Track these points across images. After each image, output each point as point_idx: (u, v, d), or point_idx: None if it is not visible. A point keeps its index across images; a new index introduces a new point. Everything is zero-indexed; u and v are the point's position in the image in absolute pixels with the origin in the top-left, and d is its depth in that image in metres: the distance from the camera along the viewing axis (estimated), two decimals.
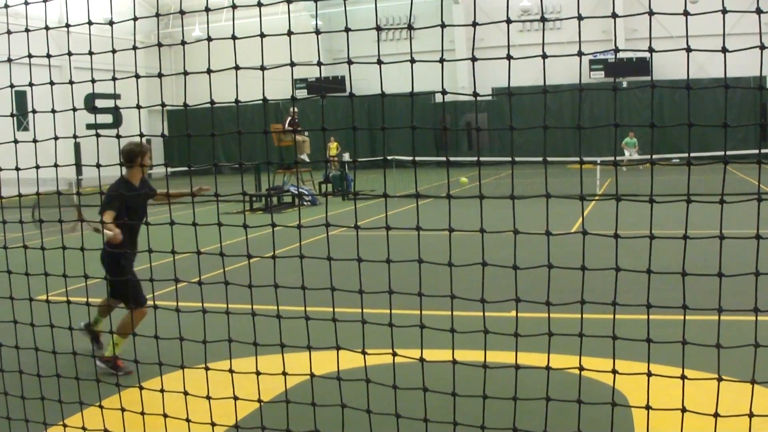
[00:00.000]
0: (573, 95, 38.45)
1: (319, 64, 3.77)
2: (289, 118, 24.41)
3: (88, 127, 34.84)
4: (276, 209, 23.24)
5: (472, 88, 46.57)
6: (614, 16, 3.61)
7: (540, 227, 3.69)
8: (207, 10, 4.34)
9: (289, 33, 3.89)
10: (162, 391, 4.60)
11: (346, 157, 27.38)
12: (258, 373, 4.28)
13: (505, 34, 3.69)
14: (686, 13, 3.61)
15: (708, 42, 29.80)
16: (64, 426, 5.08)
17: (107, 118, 40.39)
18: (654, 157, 3.59)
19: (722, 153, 3.58)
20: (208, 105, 4.20)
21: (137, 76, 4.48)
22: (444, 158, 4.25)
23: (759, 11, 3.58)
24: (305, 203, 23.73)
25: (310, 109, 43.91)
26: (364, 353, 4.00)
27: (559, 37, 41.70)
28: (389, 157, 27.75)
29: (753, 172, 26.26)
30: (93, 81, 4.59)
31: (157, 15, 4.38)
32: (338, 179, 27.09)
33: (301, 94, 45.63)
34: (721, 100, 39.53)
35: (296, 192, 23.62)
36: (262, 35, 4.03)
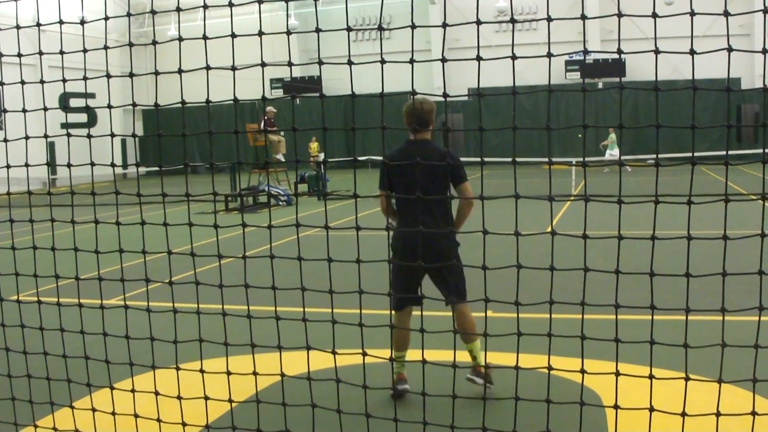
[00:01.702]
0: (549, 96, 38.55)
1: (290, 64, 3.77)
2: (265, 118, 24.34)
3: (63, 126, 34.57)
4: (252, 209, 23.18)
5: (447, 88, 46.75)
6: (583, 18, 3.64)
7: (514, 227, 3.71)
8: (178, 9, 4.33)
9: (260, 33, 3.89)
10: (133, 391, 4.59)
11: (321, 157, 27.32)
12: (229, 373, 4.28)
13: (481, 34, 3.71)
14: (654, 15, 3.65)
15: (682, 43, 29.87)
16: (35, 427, 5.05)
17: (82, 118, 40.07)
18: (624, 158, 3.61)
19: (696, 154, 3.62)
20: (182, 104, 4.19)
21: (108, 76, 4.47)
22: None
23: (726, 14, 3.62)
24: (281, 203, 23.68)
25: (286, 108, 43.81)
26: (334, 353, 4.01)
27: (535, 38, 41.85)
28: (362, 158, 27.77)
29: (729, 174, 26.43)
30: (64, 81, 4.57)
31: (128, 15, 4.37)
32: (314, 179, 27.05)
33: (278, 94, 45.50)
34: (696, 100, 39.74)
35: (273, 192, 23.55)
36: (233, 35, 4.03)
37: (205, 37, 4.07)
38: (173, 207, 19.43)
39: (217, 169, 38.12)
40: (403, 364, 5.71)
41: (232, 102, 4.12)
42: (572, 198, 19.93)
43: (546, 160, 3.89)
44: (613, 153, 33.41)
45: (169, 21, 44.57)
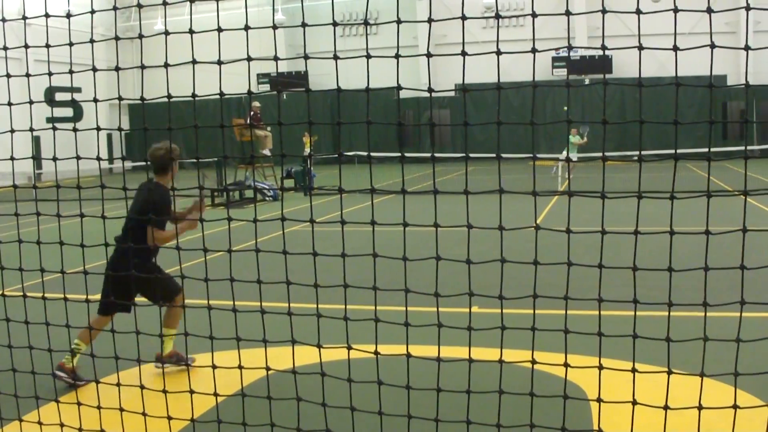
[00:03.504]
0: (536, 92, 38.68)
1: (276, 59, 3.78)
2: (252, 113, 24.30)
3: (49, 120, 34.38)
4: (239, 204, 23.16)
5: (434, 84, 46.54)
6: (568, 14, 3.67)
7: (511, 221, 3.72)
8: (165, 3, 4.32)
9: (246, 28, 3.90)
10: (118, 385, 4.59)
11: (307, 152, 27.33)
12: (214, 367, 4.29)
13: (468, 30, 3.73)
14: (638, 12, 3.68)
15: (669, 40, 30.12)
16: (21, 421, 5.05)
17: (68, 112, 39.88)
18: (608, 154, 3.65)
19: (681, 150, 3.65)
20: (168, 99, 4.20)
21: (94, 69, 4.46)
22: (405, 154, 4.27)
23: (710, 11, 3.65)
24: (267, 198, 23.66)
25: (273, 104, 43.71)
26: (319, 347, 4.02)
27: (522, 35, 41.89)
28: (349, 153, 27.78)
29: (714, 170, 26.52)
30: (50, 74, 4.57)
31: (115, 9, 4.37)
32: (300, 175, 27.03)
33: (265, 89, 45.45)
34: (682, 97, 39.95)
35: (258, 187, 23.54)
36: (219, 29, 4.04)
37: (191, 31, 4.07)
38: None
39: (204, 164, 38.02)
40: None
41: (218, 96, 4.12)
42: (558, 193, 19.89)
43: (532, 156, 3.92)
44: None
45: (155, 15, 44.41)
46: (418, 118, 43.24)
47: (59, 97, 37.80)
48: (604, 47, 3.70)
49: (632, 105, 40.71)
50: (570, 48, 3.74)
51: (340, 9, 44.28)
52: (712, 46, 3.60)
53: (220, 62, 4.01)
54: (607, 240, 3.62)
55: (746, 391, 5.49)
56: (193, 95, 4.07)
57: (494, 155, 3.89)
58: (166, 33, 4.19)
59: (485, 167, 32.85)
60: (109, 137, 43.25)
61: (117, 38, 4.41)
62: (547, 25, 34.18)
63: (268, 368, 4.21)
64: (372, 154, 4.39)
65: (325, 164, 40.42)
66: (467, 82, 3.45)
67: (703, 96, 39.73)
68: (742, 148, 35.41)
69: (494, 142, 36.47)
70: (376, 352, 3.90)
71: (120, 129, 4.52)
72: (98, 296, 6.30)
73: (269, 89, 45.38)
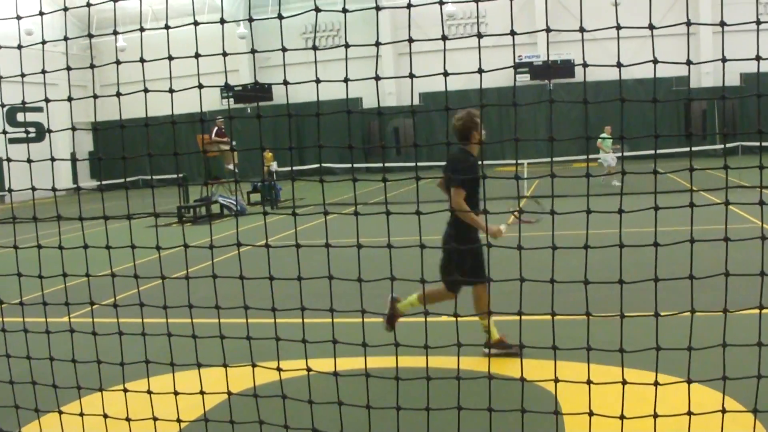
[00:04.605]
0: (500, 98, 38.91)
1: (226, 71, 3.81)
2: (216, 129, 24.24)
3: (11, 141, 34.12)
4: (205, 221, 23.07)
5: (398, 93, 46.39)
6: (512, 18, 3.73)
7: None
8: (115, 33, 4.34)
9: (197, 55, 3.93)
10: (81, 414, 4.58)
11: (274, 166, 27.28)
12: (176, 393, 4.30)
13: (429, 37, 3.76)
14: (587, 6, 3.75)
15: (630, 43, 30.03)
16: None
17: (30, 132, 39.60)
18: (575, 158, 3.70)
19: (646, 152, 3.73)
20: (129, 118, 4.24)
21: (47, 101, 4.47)
22: (370, 164, 4.31)
23: (652, 27, 3.72)
24: (233, 214, 23.60)
25: (238, 119, 43.53)
26: (279, 370, 4.04)
27: (485, 42, 42.18)
28: (314, 166, 27.76)
29: (677, 168, 26.67)
30: None
31: (65, 39, 4.37)
32: (266, 189, 27.02)
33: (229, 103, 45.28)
34: (644, 98, 40.31)
35: (223, 203, 23.49)
36: (170, 58, 4.06)
37: (142, 60, 4.10)
38: (122, 222, 19.25)
39: (169, 181, 37.88)
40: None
41: (184, 112, 4.14)
42: (527, 196, 20.10)
43: (498, 162, 3.98)
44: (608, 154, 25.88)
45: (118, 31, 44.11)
46: (383, 128, 43.38)
47: (21, 117, 37.52)
48: (556, 51, 3.77)
49: (595, 108, 40.94)
50: (515, 61, 3.79)
51: (303, 21, 44.26)
52: (655, 61, 3.67)
53: (171, 90, 4.03)
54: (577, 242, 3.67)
55: (733, 397, 5.47)
56: (146, 124, 4.09)
57: (438, 163, 3.93)
58: (117, 63, 4.21)
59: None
60: (73, 156, 42.94)
61: (69, 68, 4.41)
62: (508, 31, 34.36)
63: (229, 393, 4.22)
64: (332, 165, 4.43)
65: (290, 177, 40.30)
66: (433, 90, 3.48)
67: (666, 97, 40.16)
68: (705, 147, 35.90)
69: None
70: (335, 373, 3.92)
71: (73, 159, 4.53)
72: (58, 319, 6.26)
73: (233, 103, 45.30)
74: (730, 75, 39.93)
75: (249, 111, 43.78)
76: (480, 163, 6.88)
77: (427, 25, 39.31)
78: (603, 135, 25.15)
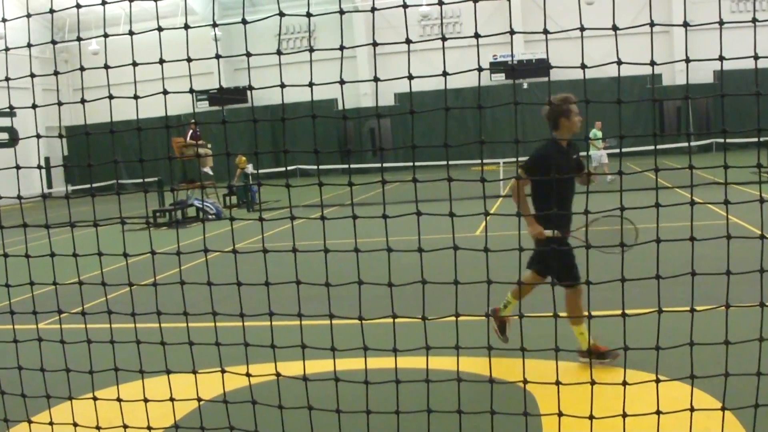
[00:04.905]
0: (475, 98, 38.98)
1: (191, 74, 3.79)
2: (191, 132, 24.16)
3: None
4: (180, 224, 22.97)
5: (374, 94, 46.53)
6: (476, 29, 3.72)
7: (440, 231, 3.76)
8: (79, 39, 4.31)
9: (160, 61, 3.91)
10: (51, 424, 4.55)
11: (250, 168, 27.18)
12: (146, 401, 4.27)
13: (396, 42, 3.75)
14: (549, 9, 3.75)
15: (604, 42, 30.37)
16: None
17: (3, 136, 39.31)
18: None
19: (625, 150, 3.74)
20: (104, 122, 4.22)
21: (10, 104, 4.43)
22: (347, 166, 4.30)
23: (615, 28, 3.74)
24: (210, 217, 23.51)
25: (214, 122, 43.35)
26: (248, 375, 4.03)
27: (459, 41, 42.28)
28: (291, 167, 27.74)
29: (651, 166, 26.80)
30: None
31: (28, 45, 4.34)
32: (242, 191, 26.97)
33: (203, 105, 45.21)
34: (620, 98, 40.46)
35: (199, 206, 23.40)
36: (135, 64, 4.04)
37: (106, 66, 4.08)
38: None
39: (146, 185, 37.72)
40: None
41: (158, 116, 4.12)
42: (502, 195, 20.17)
43: (473, 162, 3.98)
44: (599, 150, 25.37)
45: (90, 34, 43.94)
46: (359, 128, 43.39)
47: None
48: (526, 53, 3.77)
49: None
50: (479, 63, 3.78)
51: (276, 23, 44.14)
52: (619, 62, 3.69)
53: (136, 96, 4.01)
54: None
55: (702, 389, 5.44)
56: (111, 130, 4.07)
57: (405, 164, 3.93)
58: (82, 69, 4.18)
59: (426, 175, 32.92)
60: (47, 161, 42.64)
61: (32, 75, 4.38)
62: (483, 31, 34.50)
63: (199, 399, 4.20)
64: (307, 167, 4.42)
65: (267, 178, 40.26)
66: (407, 91, 3.49)
67: (640, 95, 40.48)
68: (679, 145, 36.07)
69: (434, 150, 36.75)
70: (304, 378, 3.92)
71: (39, 167, 4.50)
72: (26, 327, 6.20)
73: (208, 106, 45.19)
74: (703, 72, 40.27)
75: (225, 114, 43.61)
76: (575, 156, 6.75)
77: (401, 26, 39.40)
78: (594, 131, 25.17)
